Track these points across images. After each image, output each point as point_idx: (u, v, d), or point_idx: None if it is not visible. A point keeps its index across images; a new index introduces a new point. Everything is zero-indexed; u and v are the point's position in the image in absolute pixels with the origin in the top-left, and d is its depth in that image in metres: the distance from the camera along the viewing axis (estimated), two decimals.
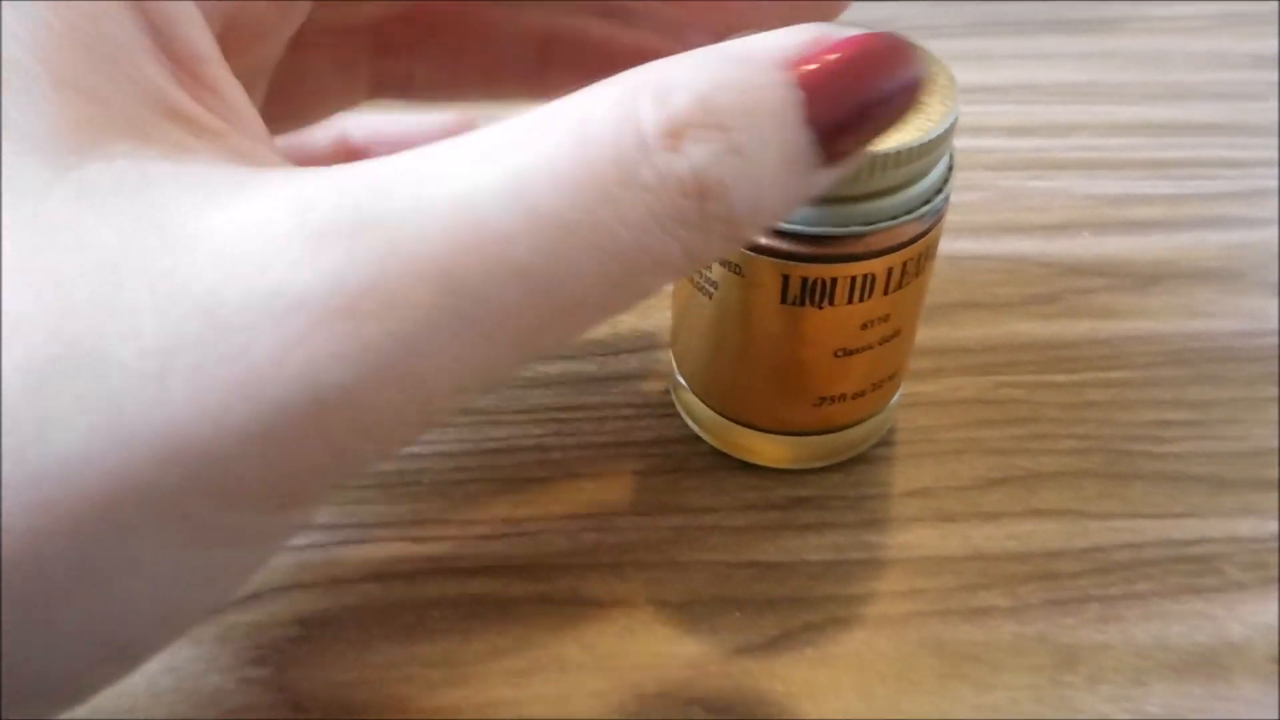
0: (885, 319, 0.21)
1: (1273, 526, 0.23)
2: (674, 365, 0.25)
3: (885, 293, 0.20)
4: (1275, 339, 0.28)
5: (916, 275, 0.21)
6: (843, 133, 0.15)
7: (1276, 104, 0.37)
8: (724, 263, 0.20)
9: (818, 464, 0.24)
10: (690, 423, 0.25)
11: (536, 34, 0.24)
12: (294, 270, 0.12)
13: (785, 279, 0.20)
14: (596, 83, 0.14)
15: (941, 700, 0.20)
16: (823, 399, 0.22)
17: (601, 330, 0.28)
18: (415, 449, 0.25)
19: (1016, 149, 0.35)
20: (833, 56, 0.14)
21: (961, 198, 0.33)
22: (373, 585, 0.22)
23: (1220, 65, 0.39)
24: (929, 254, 0.21)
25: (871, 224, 0.19)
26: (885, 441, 0.25)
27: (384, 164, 0.13)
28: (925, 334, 0.28)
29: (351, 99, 0.25)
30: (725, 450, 0.24)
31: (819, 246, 0.19)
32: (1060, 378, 0.27)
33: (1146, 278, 0.30)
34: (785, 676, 0.21)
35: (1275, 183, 0.33)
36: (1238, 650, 0.21)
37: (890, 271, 0.20)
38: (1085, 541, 0.23)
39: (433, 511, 0.23)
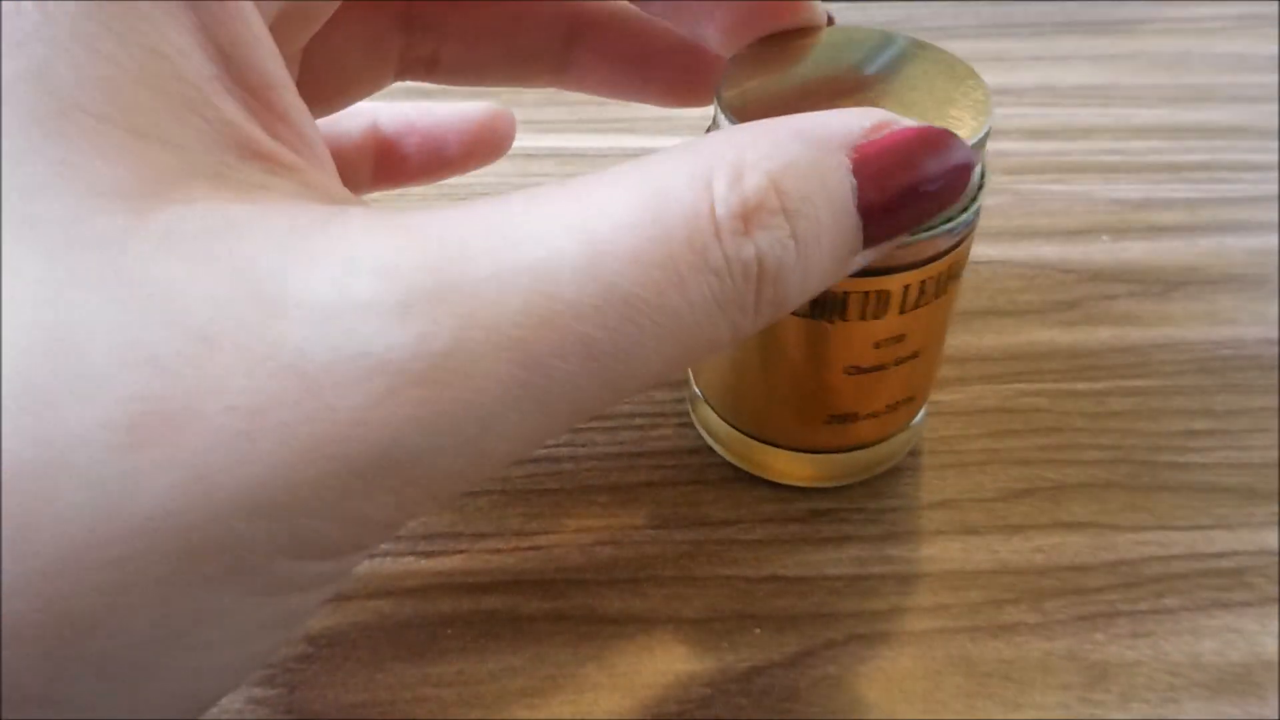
0: (900, 339, 0.20)
1: None
2: (690, 377, 0.24)
3: (901, 311, 0.19)
4: None
5: (937, 296, 0.20)
6: (887, 218, 0.15)
7: None
8: None
9: (834, 483, 0.23)
10: (706, 436, 0.24)
11: (565, 17, 0.24)
12: (379, 334, 0.12)
13: None
14: (676, 148, 0.14)
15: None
16: (833, 417, 0.21)
17: None
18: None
19: (1035, 152, 0.34)
20: (889, 144, 0.15)
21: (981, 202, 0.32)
22: (383, 602, 0.21)
23: (1242, 68, 0.39)
24: (952, 274, 0.20)
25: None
26: (909, 453, 0.24)
27: (464, 219, 0.13)
28: (946, 342, 0.27)
29: (378, 80, 0.24)
30: (740, 465, 0.24)
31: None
32: (1083, 386, 0.26)
33: (1169, 284, 0.29)
34: (807, 696, 0.20)
35: None
36: (1271, 667, 0.20)
37: (906, 289, 0.19)
38: (1112, 555, 0.22)
39: (443, 525, 0.23)
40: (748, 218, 0.14)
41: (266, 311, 0.12)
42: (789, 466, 0.23)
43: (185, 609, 0.12)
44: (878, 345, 0.20)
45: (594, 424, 0.25)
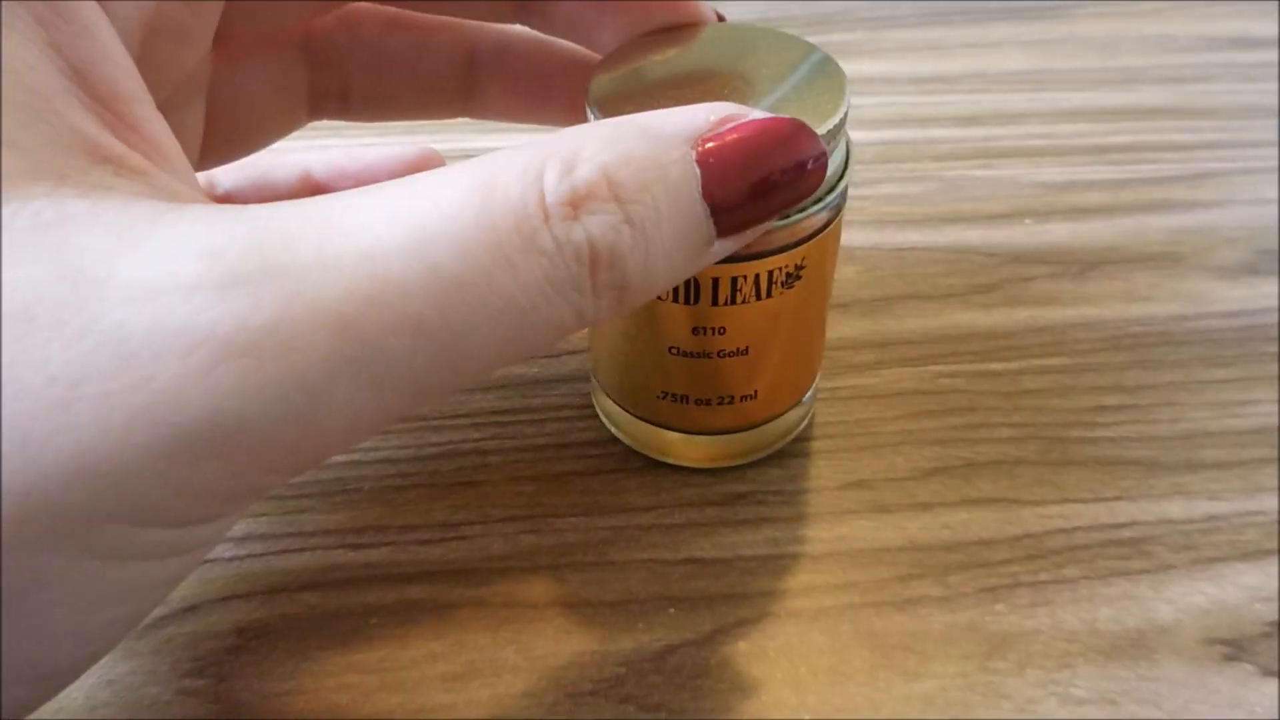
0: (721, 331, 0.21)
1: (1203, 507, 0.23)
2: (591, 365, 0.25)
3: (714, 303, 0.20)
4: (1214, 321, 0.28)
5: (759, 297, 0.20)
6: (739, 209, 0.16)
7: (1226, 85, 0.37)
8: None
9: (722, 464, 0.24)
10: (606, 422, 0.25)
11: (464, 44, 0.24)
12: (201, 310, 0.12)
13: None
14: (516, 146, 0.15)
15: (873, 691, 0.20)
16: (664, 394, 0.22)
17: None
18: (355, 456, 0.25)
19: (965, 139, 0.35)
20: (735, 137, 0.16)
21: (906, 189, 0.33)
22: (311, 594, 0.22)
23: (1170, 48, 0.40)
24: (779, 280, 0.20)
25: None
26: (826, 435, 0.25)
27: (296, 211, 0.14)
28: (867, 326, 0.28)
29: (292, 118, 0.25)
30: (631, 445, 0.25)
31: None
32: (999, 366, 0.27)
33: (1087, 264, 0.30)
34: (719, 671, 0.21)
35: (1220, 165, 0.34)
36: (1165, 632, 0.21)
37: (716, 283, 0.20)
38: (1018, 529, 0.23)
39: (371, 518, 0.23)
40: (577, 204, 0.14)
41: (89, 292, 0.12)
42: (673, 447, 0.24)
43: (15, 572, 0.12)
44: (695, 331, 0.21)
45: (522, 417, 0.26)
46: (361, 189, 0.14)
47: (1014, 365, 0.27)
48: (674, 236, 0.15)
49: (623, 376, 0.23)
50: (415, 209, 0.14)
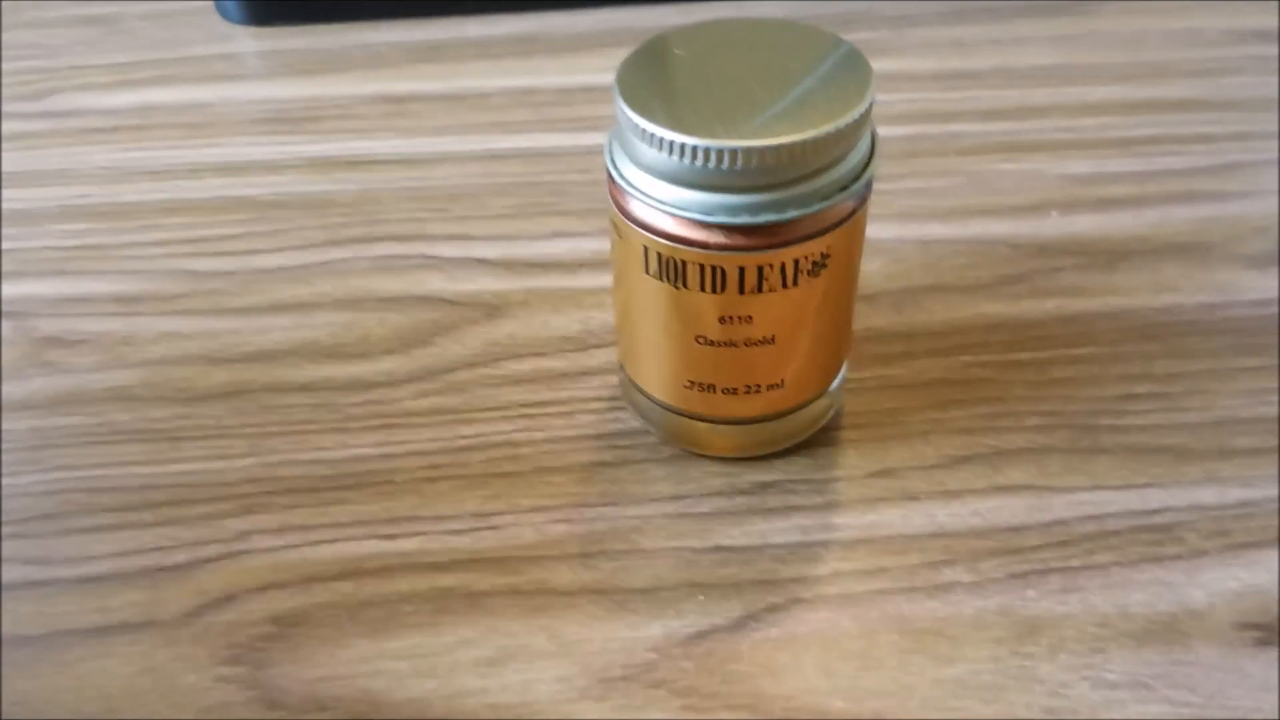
0: (748, 320, 0.21)
1: (1235, 493, 0.23)
2: (619, 357, 0.25)
3: (741, 292, 0.20)
4: (1243, 310, 0.28)
5: (785, 286, 0.20)
6: None
7: (1252, 78, 0.37)
8: (611, 221, 0.21)
9: (750, 453, 0.24)
10: (634, 413, 0.25)
11: None
12: None
13: (645, 250, 0.20)
14: None
15: (903, 675, 0.20)
16: (692, 383, 0.22)
17: (572, 327, 0.28)
18: (386, 449, 0.25)
19: (989, 133, 0.35)
20: None
21: (934, 184, 0.33)
22: (345, 583, 0.22)
23: (1196, 42, 0.39)
24: (805, 269, 0.20)
25: (710, 215, 0.19)
26: (854, 425, 0.25)
27: None
28: (894, 318, 0.28)
29: None
30: (652, 431, 0.25)
31: (673, 226, 0.20)
32: (1027, 356, 0.27)
33: (1115, 255, 0.30)
34: (748, 657, 0.21)
35: (1246, 156, 0.33)
36: (1198, 616, 0.21)
37: (743, 271, 0.20)
38: (1048, 515, 0.23)
39: (405, 509, 0.24)
40: None
41: None
42: (701, 437, 0.24)
43: None
44: (723, 320, 0.21)
45: (551, 409, 0.26)
46: None
47: (1042, 355, 0.27)
48: None
49: (652, 367, 0.23)
50: None
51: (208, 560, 0.23)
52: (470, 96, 0.39)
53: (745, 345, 0.21)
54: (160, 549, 0.23)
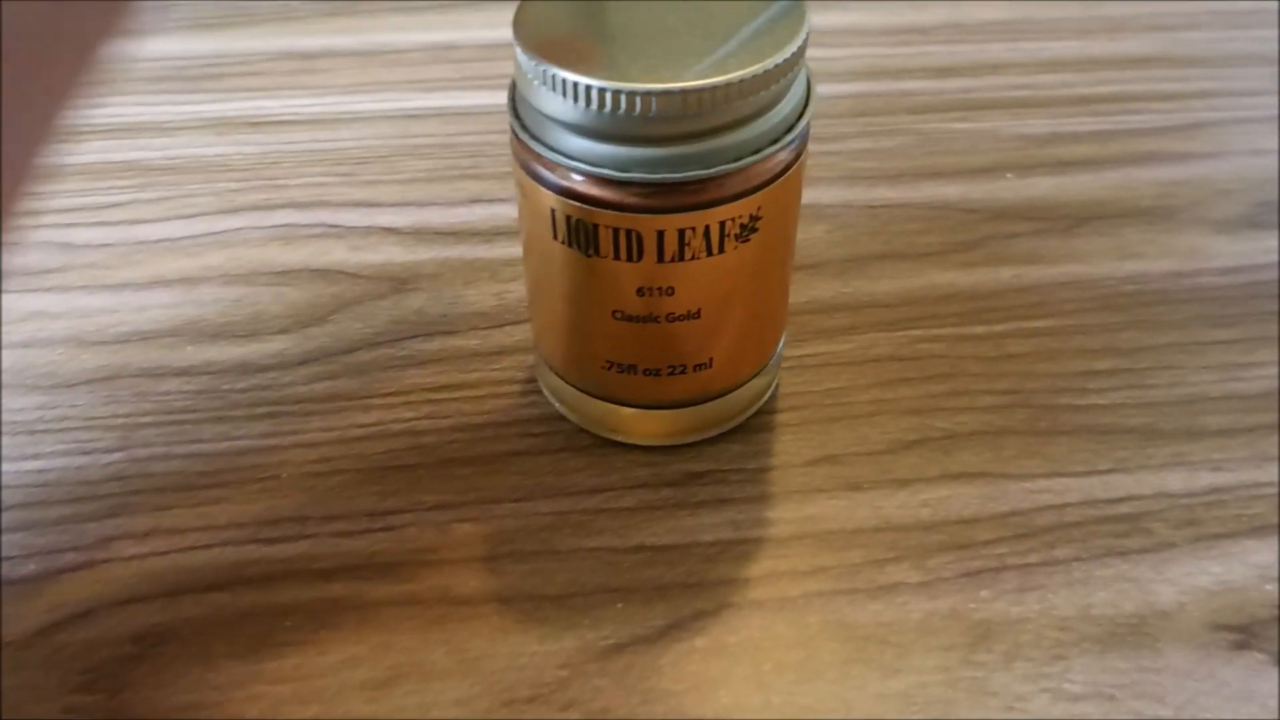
0: (669, 292, 0.19)
1: (1206, 478, 0.21)
2: (533, 336, 0.22)
3: (660, 259, 0.18)
4: (1210, 279, 0.26)
5: (711, 254, 0.18)
6: None
7: (1215, 34, 0.35)
8: (517, 182, 0.19)
9: (678, 440, 0.22)
10: (551, 398, 0.23)
11: None
12: None
13: (552, 212, 0.18)
14: None
15: (844, 689, 0.18)
16: (610, 364, 0.20)
17: (486, 301, 0.26)
18: (273, 440, 0.22)
19: (941, 91, 0.33)
20: None
21: (882, 144, 0.31)
22: (219, 594, 0.20)
23: None
24: (739, 234, 0.18)
25: (625, 171, 0.17)
26: (792, 406, 0.23)
27: None
28: (839, 289, 0.26)
29: None
30: (580, 423, 0.22)
31: (583, 184, 0.17)
32: (981, 329, 0.25)
33: (1074, 220, 0.28)
34: (673, 671, 0.19)
35: (1212, 115, 0.31)
36: (1167, 617, 0.19)
37: (662, 236, 0.18)
38: (1004, 505, 0.21)
39: (290, 508, 0.21)
40: None
41: None
42: (621, 423, 0.22)
43: None
44: (641, 292, 0.19)
45: (460, 393, 0.23)
46: None
47: (997, 328, 0.25)
48: None
49: (565, 346, 0.21)
50: None
51: (63, 570, 0.20)
52: (385, 52, 0.36)
53: (667, 320, 0.19)
54: (9, 558, 0.20)
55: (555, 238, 0.18)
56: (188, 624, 0.19)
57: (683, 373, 0.20)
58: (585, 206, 0.17)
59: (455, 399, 0.23)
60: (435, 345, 0.24)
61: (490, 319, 0.25)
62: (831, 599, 0.19)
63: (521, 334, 0.25)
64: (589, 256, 0.18)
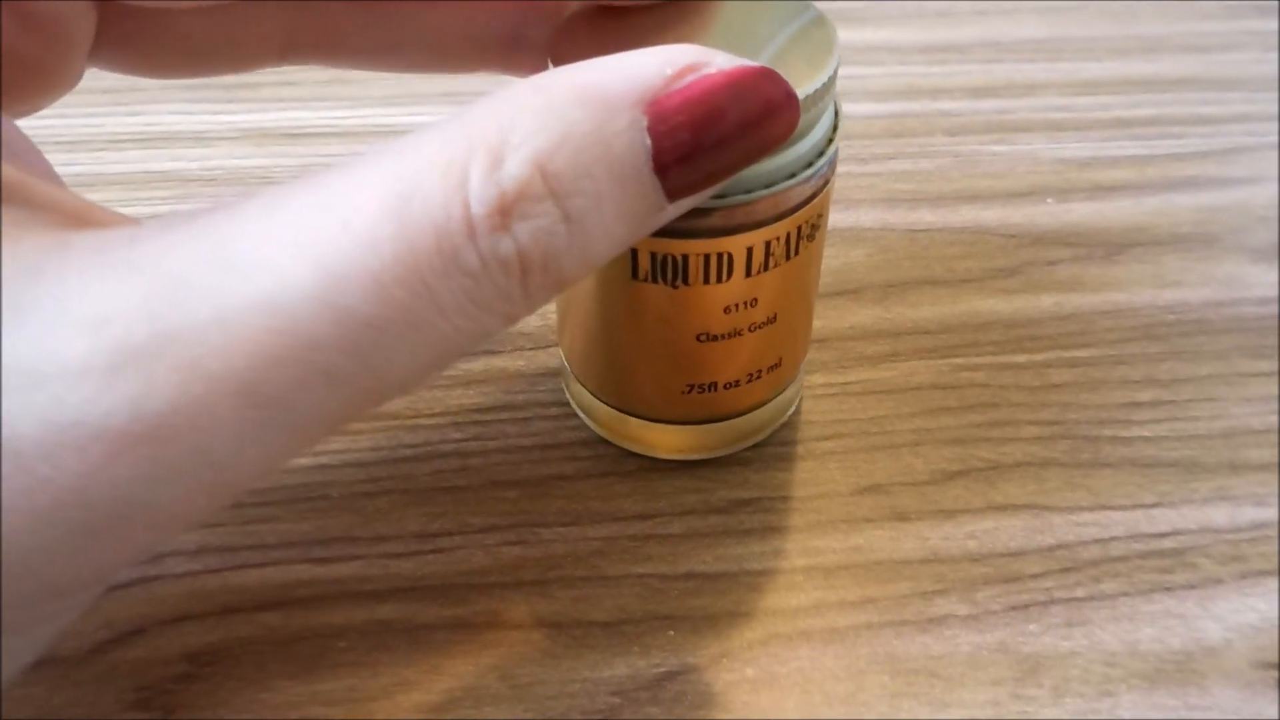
0: (753, 303, 0.19)
1: (1249, 513, 0.21)
2: (563, 354, 0.23)
3: (747, 274, 0.18)
4: (1250, 308, 0.26)
5: (788, 257, 0.19)
6: (694, 173, 0.14)
7: (1253, 55, 0.35)
8: None
9: (708, 454, 0.22)
10: (580, 413, 0.23)
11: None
12: (91, 400, 0.12)
13: (634, 253, 0.18)
14: (438, 125, 0.13)
15: None
16: (691, 386, 0.20)
17: (530, 321, 0.26)
18: (323, 460, 0.23)
19: (978, 111, 0.33)
20: (694, 94, 0.14)
21: (919, 165, 0.31)
22: (271, 614, 0.20)
23: (1191, 15, 0.37)
24: (805, 234, 0.19)
25: (724, 198, 0.17)
26: (837, 434, 0.23)
27: (189, 249, 0.12)
28: (879, 315, 0.26)
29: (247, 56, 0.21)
30: (611, 439, 0.22)
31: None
32: (1023, 358, 0.25)
33: (1114, 246, 0.28)
34: (723, 700, 0.19)
35: (1247, 140, 0.31)
36: (1214, 654, 0.19)
37: (750, 251, 0.18)
38: (1049, 538, 0.21)
39: (340, 528, 0.21)
40: (506, 210, 0.12)
41: None
42: (661, 439, 0.22)
43: None
44: (728, 310, 0.19)
45: (506, 415, 0.24)
46: (266, 199, 0.13)
47: (1039, 357, 0.25)
48: (617, 216, 0.14)
49: (635, 383, 0.21)
50: (323, 236, 0.12)
51: (115, 588, 0.20)
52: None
53: (749, 331, 0.19)
54: None
55: (635, 277, 0.18)
56: (240, 643, 0.20)
57: (759, 377, 0.20)
58: (675, 240, 0.18)
59: (500, 420, 0.23)
60: (480, 366, 0.25)
61: (534, 339, 0.25)
62: (880, 631, 0.20)
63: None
64: (675, 287, 0.18)
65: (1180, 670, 0.19)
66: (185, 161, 0.31)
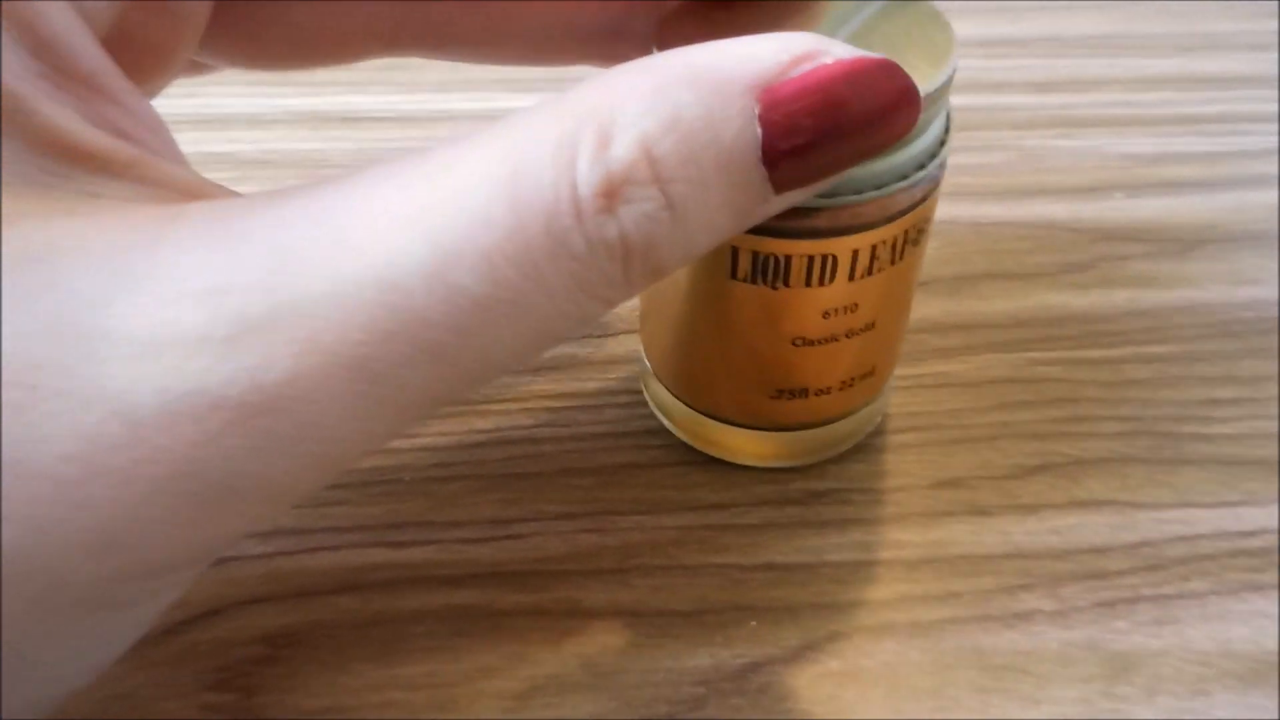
0: (853, 309, 0.18)
1: None
2: (642, 351, 0.22)
3: (851, 278, 0.18)
4: None
5: (894, 262, 0.18)
6: (805, 166, 0.14)
7: None
8: None
9: (792, 462, 0.22)
10: (658, 413, 0.23)
11: None
12: (210, 369, 0.12)
13: (735, 251, 0.17)
14: (551, 101, 0.13)
15: (983, 718, 0.18)
16: (781, 391, 0.20)
17: None
18: (395, 444, 0.22)
19: (1042, 106, 0.32)
20: (811, 83, 0.13)
21: (984, 159, 0.30)
22: (347, 597, 0.20)
23: (1258, 13, 0.37)
24: (911, 239, 0.18)
25: (831, 197, 0.17)
26: (912, 427, 0.23)
27: (304, 222, 0.12)
28: (951, 308, 0.26)
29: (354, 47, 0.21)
30: (692, 443, 0.22)
31: (774, 217, 0.17)
32: (1098, 354, 0.24)
33: (1187, 242, 0.27)
34: (808, 693, 0.18)
35: None
36: None
37: (856, 254, 0.17)
38: (1133, 535, 0.21)
39: (413, 513, 0.21)
40: (612, 193, 0.12)
41: (88, 352, 0.11)
42: (743, 444, 0.21)
43: (35, 637, 0.12)
44: (826, 315, 0.18)
45: (577, 403, 0.23)
46: (377, 174, 0.13)
47: (1115, 353, 0.24)
48: (721, 205, 0.13)
49: (724, 386, 0.20)
50: (435, 212, 0.12)
51: None
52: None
53: (846, 337, 0.19)
54: None
55: (735, 276, 0.18)
56: (317, 626, 0.19)
57: (851, 385, 0.20)
58: (778, 239, 0.17)
59: (571, 407, 0.23)
60: (550, 352, 0.24)
61: (603, 327, 0.25)
62: (965, 625, 0.19)
63: (633, 343, 0.25)
64: (775, 289, 0.18)
65: (1274, 671, 0.19)
66: (242, 144, 0.31)
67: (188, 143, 0.31)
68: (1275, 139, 0.31)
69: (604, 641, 0.19)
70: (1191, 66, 0.34)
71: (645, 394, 0.23)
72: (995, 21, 0.36)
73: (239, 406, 0.12)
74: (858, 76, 0.13)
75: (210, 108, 0.33)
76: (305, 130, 0.32)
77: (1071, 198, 0.29)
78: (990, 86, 0.33)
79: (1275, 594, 0.20)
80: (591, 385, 0.24)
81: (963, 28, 0.36)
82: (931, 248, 0.27)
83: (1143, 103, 0.32)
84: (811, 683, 0.19)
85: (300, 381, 0.12)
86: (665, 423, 0.22)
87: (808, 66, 0.13)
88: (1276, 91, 0.33)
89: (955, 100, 0.32)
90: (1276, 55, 0.35)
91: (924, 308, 0.25)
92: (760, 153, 0.13)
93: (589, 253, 0.13)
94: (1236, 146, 0.31)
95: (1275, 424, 0.23)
